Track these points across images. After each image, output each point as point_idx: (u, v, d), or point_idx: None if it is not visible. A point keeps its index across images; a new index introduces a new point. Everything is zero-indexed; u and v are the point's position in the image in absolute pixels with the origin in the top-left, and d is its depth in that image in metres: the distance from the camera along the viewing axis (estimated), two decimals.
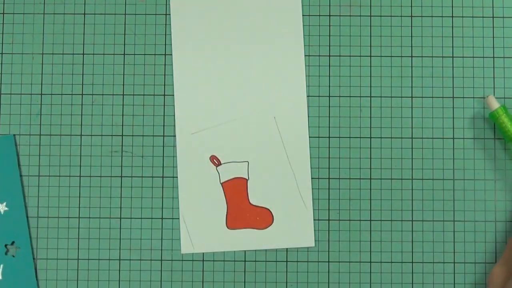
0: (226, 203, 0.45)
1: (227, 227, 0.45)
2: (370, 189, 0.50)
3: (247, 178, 0.45)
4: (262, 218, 0.45)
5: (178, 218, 0.49)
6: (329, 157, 0.50)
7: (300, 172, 0.46)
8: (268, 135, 0.45)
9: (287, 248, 0.49)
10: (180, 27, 0.46)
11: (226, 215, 0.45)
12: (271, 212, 0.45)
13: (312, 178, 0.50)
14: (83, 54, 0.51)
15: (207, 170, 0.44)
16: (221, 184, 0.44)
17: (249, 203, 0.45)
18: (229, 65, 0.45)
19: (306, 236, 0.46)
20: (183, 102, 0.45)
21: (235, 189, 0.45)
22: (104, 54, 0.51)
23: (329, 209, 0.50)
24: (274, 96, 0.46)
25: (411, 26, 0.51)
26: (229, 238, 0.45)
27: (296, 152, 0.46)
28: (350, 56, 0.50)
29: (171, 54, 0.49)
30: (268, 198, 0.45)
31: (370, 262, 0.49)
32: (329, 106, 0.50)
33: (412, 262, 0.49)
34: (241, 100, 0.45)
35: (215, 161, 0.44)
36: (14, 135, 0.50)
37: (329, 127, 0.50)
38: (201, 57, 0.46)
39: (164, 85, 0.49)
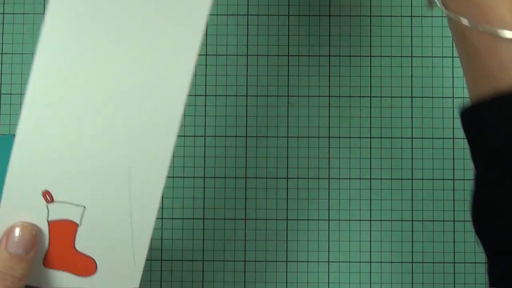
0: (49, 242, 0.40)
1: (43, 264, 0.42)
2: (370, 189, 0.50)
3: (78, 223, 0.41)
4: (83, 266, 0.41)
5: (179, 218, 0.49)
6: (329, 157, 0.50)
7: (140, 231, 0.41)
8: (116, 184, 0.40)
9: (287, 248, 0.49)
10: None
11: (46, 253, 0.42)
12: (95, 262, 0.41)
13: (312, 178, 0.50)
14: None
15: (37, 203, 0.40)
16: (48, 222, 0.41)
17: (74, 248, 0.41)
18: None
19: None
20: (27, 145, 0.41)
21: (61, 231, 0.40)
22: None
23: (329, 209, 0.50)
24: (132, 146, 0.39)
25: (411, 26, 0.51)
26: (44, 274, 0.42)
27: (142, 209, 0.40)
28: (350, 56, 0.50)
29: None
30: (96, 248, 0.41)
31: (370, 262, 0.49)
32: (329, 106, 0.50)
33: (412, 262, 0.49)
34: (96, 144, 0.40)
35: (48, 197, 0.40)
36: (14, 135, 0.50)
37: (329, 127, 0.50)
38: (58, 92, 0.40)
39: None
